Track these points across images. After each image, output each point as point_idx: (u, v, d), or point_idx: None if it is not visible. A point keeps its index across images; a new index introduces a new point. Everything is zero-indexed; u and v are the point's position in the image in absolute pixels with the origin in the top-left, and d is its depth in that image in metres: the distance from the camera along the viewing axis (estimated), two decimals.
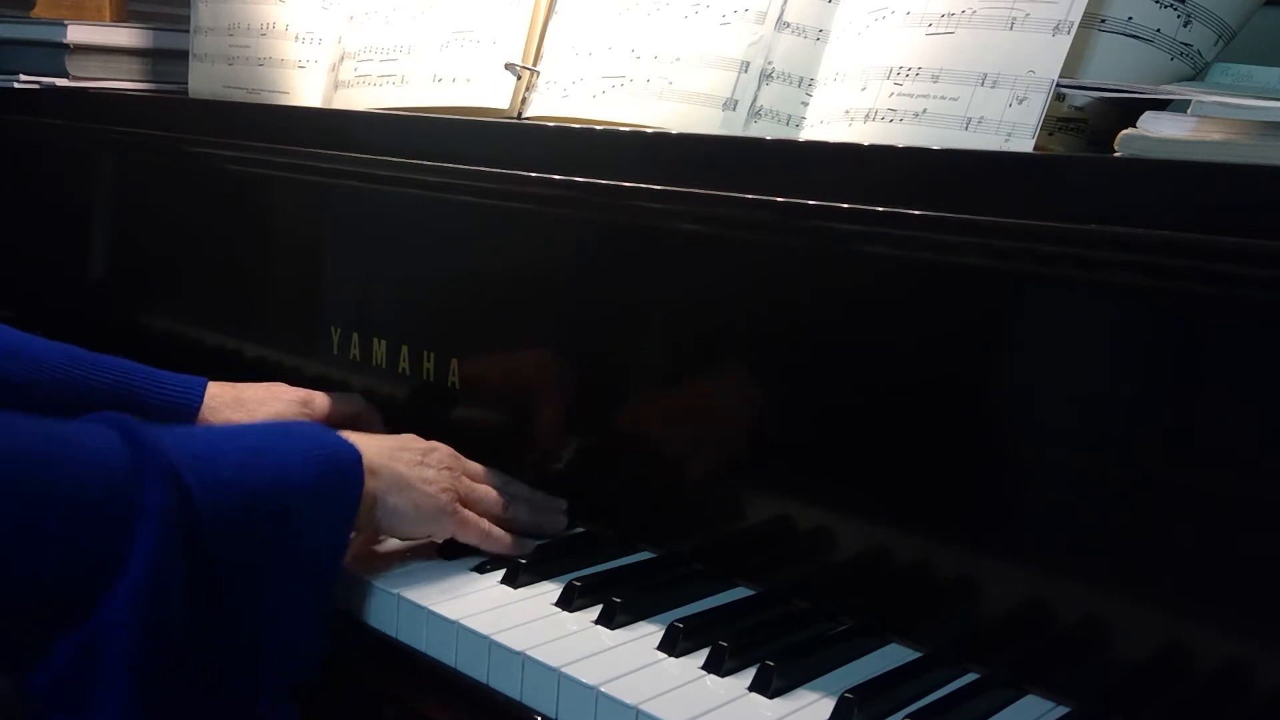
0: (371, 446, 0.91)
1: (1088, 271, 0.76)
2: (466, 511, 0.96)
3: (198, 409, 1.08)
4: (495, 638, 0.84)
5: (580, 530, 1.05)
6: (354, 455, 0.88)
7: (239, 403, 1.09)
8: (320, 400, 1.13)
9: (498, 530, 0.98)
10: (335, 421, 1.10)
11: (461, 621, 0.87)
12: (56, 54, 1.60)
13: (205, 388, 1.11)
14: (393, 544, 1.00)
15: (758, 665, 0.80)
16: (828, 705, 0.77)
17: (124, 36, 1.65)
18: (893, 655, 0.86)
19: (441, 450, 0.99)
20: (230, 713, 0.82)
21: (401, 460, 0.94)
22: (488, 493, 1.00)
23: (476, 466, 1.02)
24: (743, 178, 0.91)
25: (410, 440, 0.99)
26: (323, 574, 0.85)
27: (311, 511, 0.84)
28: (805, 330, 0.91)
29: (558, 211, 1.05)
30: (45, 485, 0.74)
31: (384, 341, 1.20)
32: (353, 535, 0.90)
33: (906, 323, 0.86)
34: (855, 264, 0.88)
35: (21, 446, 0.75)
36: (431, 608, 0.89)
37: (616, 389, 1.03)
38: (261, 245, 1.35)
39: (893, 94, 0.92)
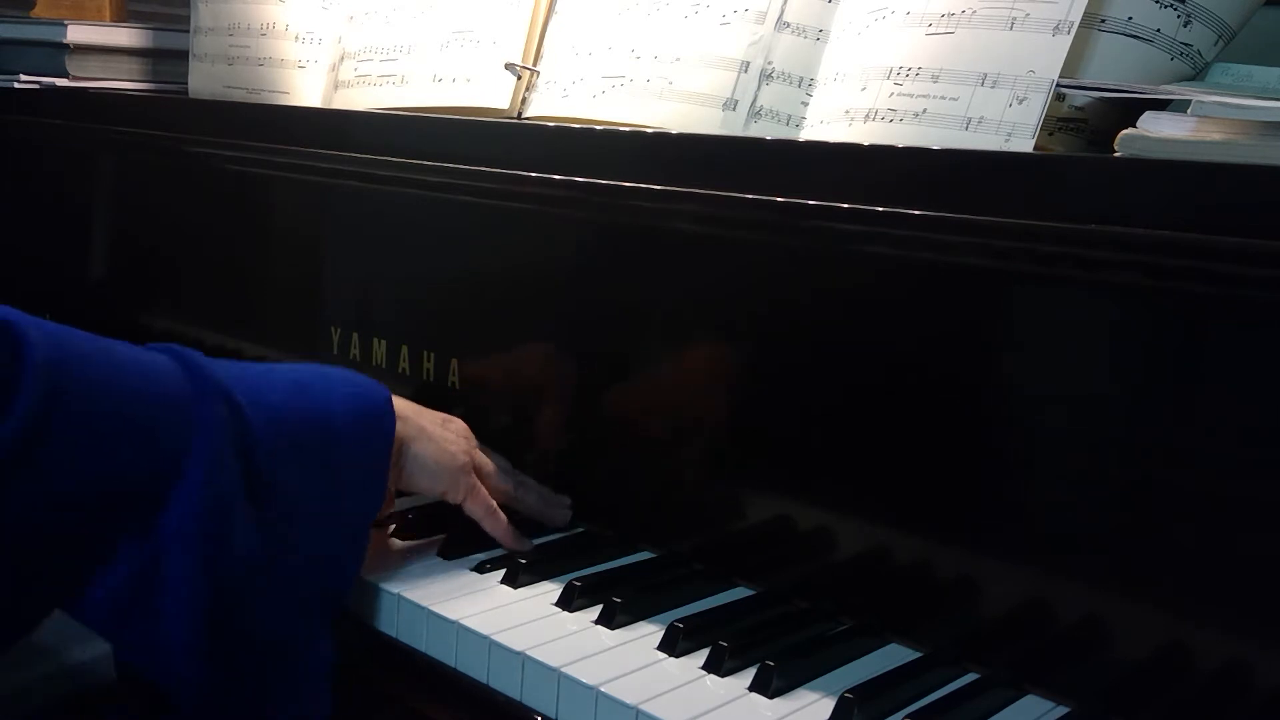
0: (399, 399, 0.93)
1: (1088, 271, 0.76)
2: (478, 482, 0.98)
3: None
4: (495, 638, 0.84)
5: (581, 530, 1.05)
6: (386, 396, 0.90)
7: None
8: None
9: (502, 514, 0.99)
10: None
11: (462, 622, 0.87)
12: (56, 54, 1.60)
13: None
14: (394, 544, 1.00)
15: (758, 665, 0.80)
16: (828, 705, 0.77)
17: (124, 36, 1.65)
18: (893, 655, 0.86)
19: (459, 422, 1.01)
20: (281, 631, 0.83)
21: (425, 416, 0.96)
22: (497, 478, 1.01)
23: (490, 455, 1.03)
24: (743, 178, 0.91)
25: (431, 411, 1.00)
26: (363, 506, 0.87)
27: (351, 445, 0.86)
28: (805, 330, 0.91)
29: (558, 211, 1.05)
30: (111, 393, 0.76)
31: (384, 341, 1.20)
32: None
33: (906, 323, 0.86)
34: (855, 264, 0.88)
35: (96, 354, 0.78)
36: (432, 608, 0.89)
37: (616, 389, 1.03)
38: (261, 245, 1.35)
39: (893, 94, 0.92)
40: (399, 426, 0.91)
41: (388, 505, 0.98)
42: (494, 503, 0.99)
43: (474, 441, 1.01)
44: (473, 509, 0.97)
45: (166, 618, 0.77)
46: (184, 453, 0.77)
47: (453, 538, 0.99)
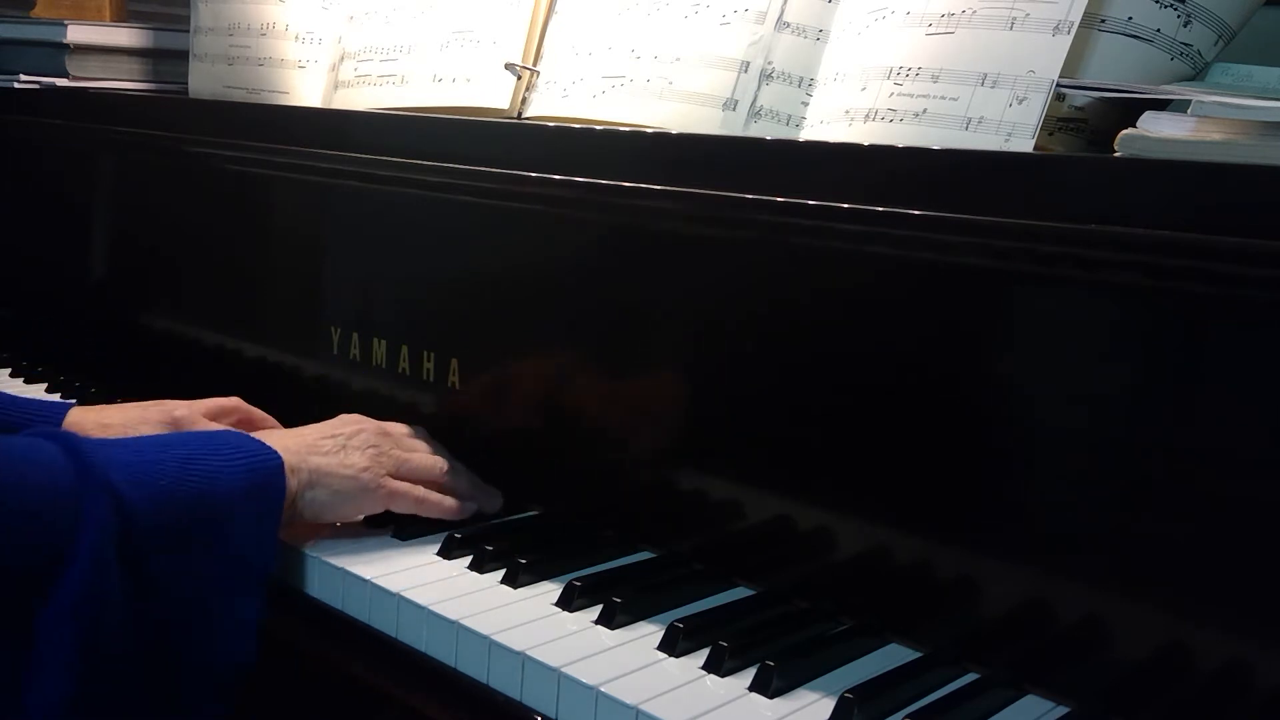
0: (289, 445, 0.95)
1: (1088, 271, 0.76)
2: (395, 483, 1.00)
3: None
4: (495, 638, 0.84)
5: (578, 523, 1.05)
6: (276, 459, 0.92)
7: (103, 427, 1.10)
8: (186, 414, 1.13)
9: (434, 495, 1.01)
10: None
11: (462, 621, 0.87)
12: (56, 54, 1.60)
13: (67, 412, 1.12)
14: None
15: (758, 665, 0.80)
16: (828, 705, 0.77)
17: (124, 36, 1.65)
18: (893, 655, 0.86)
19: (368, 430, 1.02)
20: (163, 706, 0.85)
21: (320, 451, 0.97)
22: (423, 460, 1.03)
23: (413, 441, 1.05)
24: (743, 178, 0.91)
25: (337, 425, 1.02)
26: (254, 570, 0.89)
27: (242, 515, 0.89)
28: (805, 330, 0.91)
29: (558, 211, 1.05)
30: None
31: (384, 341, 1.20)
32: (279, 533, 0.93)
33: (907, 323, 0.86)
34: (855, 264, 0.88)
35: None
36: (431, 607, 0.89)
37: (616, 389, 1.03)
38: (261, 245, 1.35)
39: (893, 94, 0.92)
40: (290, 481, 0.93)
41: (308, 533, 1.00)
42: (420, 492, 1.00)
43: (389, 444, 1.02)
44: (400, 509, 1.00)
45: (40, 693, 0.79)
46: (68, 550, 0.79)
47: (450, 540, 0.99)
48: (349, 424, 1.02)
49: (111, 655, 0.81)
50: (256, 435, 0.96)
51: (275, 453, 0.92)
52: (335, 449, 0.98)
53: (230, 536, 0.87)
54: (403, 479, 1.01)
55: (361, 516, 1.01)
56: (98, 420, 1.11)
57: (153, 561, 0.83)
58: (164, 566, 0.84)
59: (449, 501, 1.02)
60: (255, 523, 0.89)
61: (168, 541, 0.84)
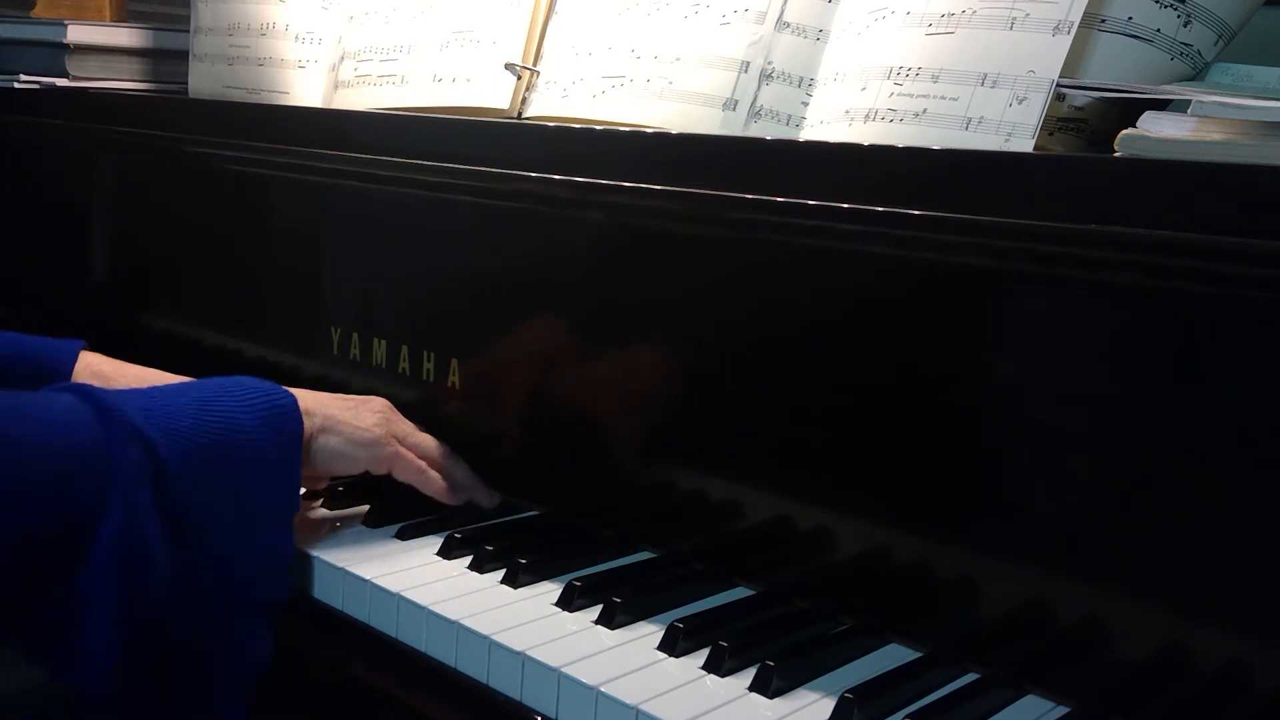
0: (305, 393, 0.98)
1: (1088, 271, 0.76)
2: (404, 449, 1.02)
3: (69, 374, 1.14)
4: (495, 637, 0.84)
5: (577, 523, 1.05)
6: (291, 399, 0.94)
7: (118, 368, 1.15)
8: None
9: (435, 473, 1.04)
10: None
11: (462, 621, 0.87)
12: (56, 54, 1.60)
13: (78, 356, 1.15)
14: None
15: (758, 665, 0.80)
16: (828, 705, 0.77)
17: (124, 36, 1.65)
18: (893, 655, 0.86)
19: (377, 401, 1.06)
20: (205, 635, 0.86)
21: (334, 405, 1.01)
22: (427, 440, 1.06)
23: (412, 425, 1.07)
24: (743, 178, 0.91)
25: (349, 396, 1.06)
26: (282, 507, 0.91)
27: (262, 454, 0.90)
28: (805, 330, 0.91)
29: (558, 212, 1.05)
30: (28, 447, 0.78)
31: (384, 341, 1.20)
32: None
33: (907, 323, 0.86)
34: (855, 264, 0.88)
35: (8, 410, 0.80)
36: (431, 607, 0.89)
37: (616, 389, 1.03)
38: (261, 245, 1.35)
39: (893, 94, 0.92)
40: (306, 423, 0.95)
41: (318, 484, 1.04)
42: (423, 464, 1.03)
43: (395, 416, 1.05)
44: (402, 475, 1.02)
45: (89, 645, 0.80)
46: (101, 504, 0.79)
47: (450, 540, 0.99)
48: (361, 397, 1.06)
49: (154, 601, 0.81)
50: None
51: (289, 393, 0.94)
52: (347, 407, 1.02)
53: (256, 475, 0.89)
54: (412, 461, 1.03)
55: (372, 471, 1.02)
56: (112, 364, 1.15)
57: (185, 503, 0.84)
58: (197, 508, 0.85)
59: (445, 485, 1.04)
60: (278, 460, 0.91)
61: (198, 483, 0.85)
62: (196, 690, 0.87)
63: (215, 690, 0.87)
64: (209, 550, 0.86)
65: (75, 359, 1.15)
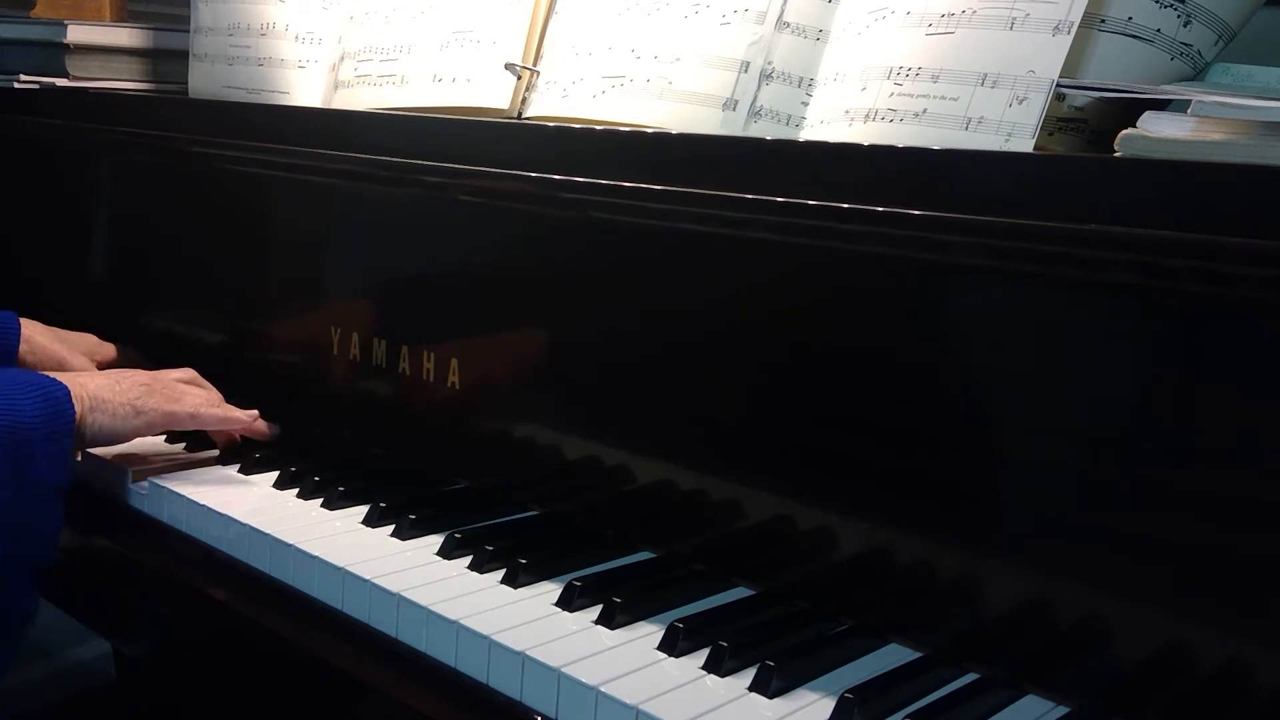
0: (75, 379, 1.11)
1: (1088, 271, 0.76)
2: (177, 408, 1.15)
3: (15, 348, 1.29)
4: (495, 637, 0.84)
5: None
6: (63, 388, 1.07)
7: (57, 338, 1.32)
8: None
9: (234, 409, 1.19)
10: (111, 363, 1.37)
11: (462, 621, 0.87)
12: (56, 54, 1.60)
13: (16, 327, 1.29)
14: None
15: (758, 665, 0.80)
16: (828, 705, 0.77)
17: (124, 36, 1.65)
18: (893, 655, 0.86)
19: (140, 372, 1.19)
20: None
21: (99, 385, 1.13)
22: (193, 393, 1.19)
23: (185, 386, 1.19)
24: (743, 178, 0.91)
25: (115, 371, 1.18)
26: (55, 485, 1.03)
27: (43, 438, 1.02)
28: (805, 330, 0.91)
29: (558, 212, 1.05)
30: None
31: (384, 341, 1.20)
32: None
33: (907, 323, 0.86)
34: (855, 264, 0.88)
35: None
36: (431, 608, 0.89)
37: (616, 388, 1.03)
38: (261, 245, 1.35)
39: (893, 94, 0.92)
40: (77, 407, 1.07)
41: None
42: (219, 410, 1.18)
43: (157, 383, 1.16)
44: (179, 425, 1.17)
45: None
46: None
47: (450, 540, 0.99)
48: (125, 371, 1.18)
49: None
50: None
51: (62, 384, 1.07)
52: (111, 384, 1.13)
53: (32, 456, 1.01)
54: (181, 409, 1.15)
55: (146, 437, 1.16)
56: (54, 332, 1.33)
57: None
58: None
59: (243, 419, 1.18)
60: (51, 442, 1.03)
61: None
62: None
63: None
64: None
65: (19, 338, 1.29)
